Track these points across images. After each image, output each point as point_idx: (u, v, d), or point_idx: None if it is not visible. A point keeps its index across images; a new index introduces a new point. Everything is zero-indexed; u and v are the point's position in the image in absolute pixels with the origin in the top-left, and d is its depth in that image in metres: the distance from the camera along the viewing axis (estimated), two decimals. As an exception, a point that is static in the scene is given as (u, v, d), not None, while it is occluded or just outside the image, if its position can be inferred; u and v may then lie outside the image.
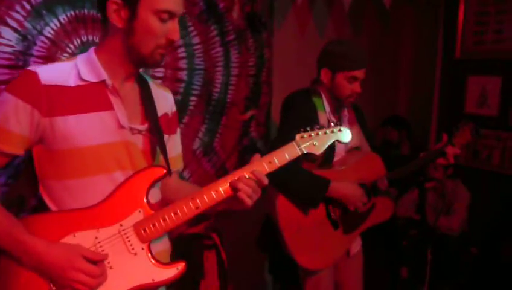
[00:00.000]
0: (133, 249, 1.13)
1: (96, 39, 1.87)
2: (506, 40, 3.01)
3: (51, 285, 1.07)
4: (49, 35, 1.74)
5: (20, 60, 1.67)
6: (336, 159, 1.92)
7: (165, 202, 1.30)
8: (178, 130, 1.39)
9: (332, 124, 1.30)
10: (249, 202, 1.15)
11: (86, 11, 1.83)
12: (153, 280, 1.13)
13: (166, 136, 1.28)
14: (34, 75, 1.07)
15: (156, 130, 1.22)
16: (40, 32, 1.72)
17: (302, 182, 1.77)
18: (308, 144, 1.24)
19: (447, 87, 3.37)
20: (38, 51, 1.71)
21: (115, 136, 1.14)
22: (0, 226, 1.06)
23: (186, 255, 2.17)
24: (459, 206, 2.83)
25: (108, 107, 1.14)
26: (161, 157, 1.25)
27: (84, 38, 1.84)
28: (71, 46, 1.80)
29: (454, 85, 3.31)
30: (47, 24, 1.73)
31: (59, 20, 1.76)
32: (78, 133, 1.10)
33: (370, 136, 2.13)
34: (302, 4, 2.69)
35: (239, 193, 1.14)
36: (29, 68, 1.10)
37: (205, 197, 1.16)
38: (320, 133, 1.26)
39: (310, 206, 1.81)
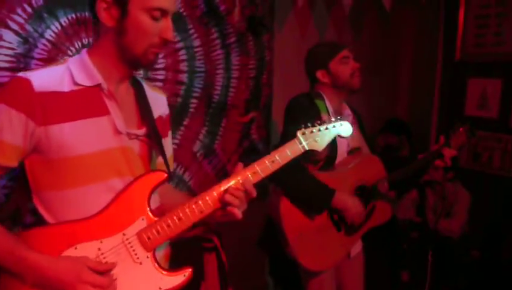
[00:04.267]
0: (137, 258, 1.10)
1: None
2: (506, 42, 3.01)
3: None
4: (50, 38, 1.74)
5: (21, 63, 1.67)
6: (337, 160, 1.92)
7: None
8: (170, 133, 1.35)
9: (333, 119, 1.28)
10: (239, 214, 1.12)
11: (86, 13, 1.83)
12: (160, 288, 1.10)
13: (162, 139, 1.24)
14: (27, 82, 1.02)
15: (154, 133, 1.18)
16: (41, 35, 1.72)
17: (307, 189, 1.78)
18: (310, 140, 1.22)
19: (447, 90, 3.37)
20: (39, 53, 1.72)
21: (112, 142, 1.10)
22: (2, 245, 1.02)
23: (187, 258, 2.17)
24: (460, 209, 2.83)
25: (105, 112, 1.10)
26: (157, 161, 1.22)
27: (85, 41, 1.84)
28: (72, 48, 1.80)
29: (454, 87, 3.31)
30: (48, 27, 1.73)
31: (60, 23, 1.76)
32: (74, 140, 1.05)
33: (368, 140, 2.15)
34: (302, 6, 2.70)
35: (228, 207, 1.12)
36: (21, 75, 1.04)
37: (208, 200, 1.13)
38: (321, 128, 1.24)
39: (313, 213, 1.82)
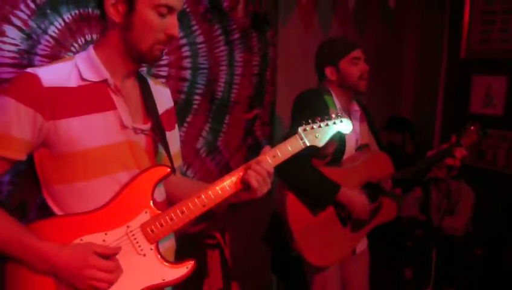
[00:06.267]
0: (141, 250, 1.13)
1: (101, 38, 1.87)
2: (512, 39, 2.99)
3: (60, 287, 1.07)
4: (53, 34, 1.74)
5: (24, 59, 1.67)
6: (345, 156, 1.92)
7: (168, 199, 1.31)
8: (176, 126, 1.39)
9: (333, 116, 1.30)
10: (259, 189, 1.16)
11: (90, 9, 1.82)
12: (163, 279, 1.14)
13: (167, 133, 1.27)
14: (35, 78, 1.05)
15: (158, 128, 1.21)
16: (45, 31, 1.72)
17: (313, 184, 1.78)
18: (310, 137, 1.25)
19: (452, 87, 3.36)
20: (42, 50, 1.71)
21: (118, 136, 1.13)
22: (11, 233, 1.06)
23: (190, 254, 2.18)
24: (464, 207, 2.82)
25: (111, 106, 1.13)
26: (164, 156, 1.24)
27: (88, 37, 1.84)
28: (75, 45, 1.80)
29: (459, 85, 3.30)
30: (51, 23, 1.73)
31: (63, 19, 1.76)
32: (82, 135, 1.08)
33: (377, 137, 2.13)
34: (306, 3, 2.69)
35: (250, 179, 1.15)
36: (29, 70, 1.07)
37: (211, 194, 1.16)
38: (322, 125, 1.27)
39: (318, 208, 1.82)
